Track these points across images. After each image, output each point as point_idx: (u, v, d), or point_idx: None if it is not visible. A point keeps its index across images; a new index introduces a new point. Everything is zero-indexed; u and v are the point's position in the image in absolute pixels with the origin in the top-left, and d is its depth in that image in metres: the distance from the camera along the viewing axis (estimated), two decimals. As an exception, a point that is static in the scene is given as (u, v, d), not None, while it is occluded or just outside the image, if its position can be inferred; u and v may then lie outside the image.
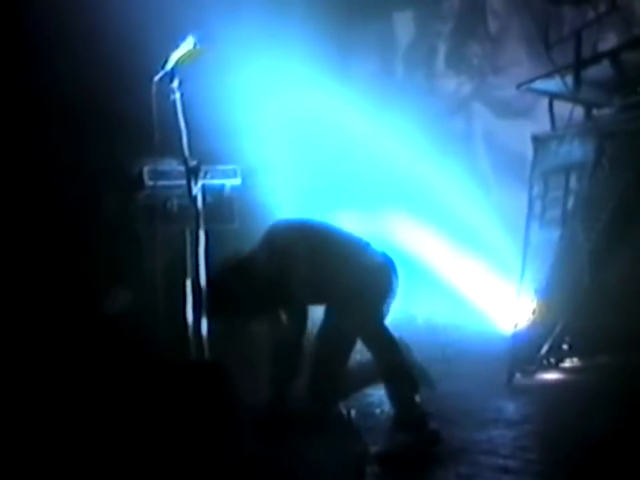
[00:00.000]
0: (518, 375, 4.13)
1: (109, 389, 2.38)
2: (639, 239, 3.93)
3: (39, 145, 4.99)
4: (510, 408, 3.64)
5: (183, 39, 3.25)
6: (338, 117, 5.23)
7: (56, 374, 3.44)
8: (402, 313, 4.89)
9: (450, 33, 5.54)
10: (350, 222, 4.93)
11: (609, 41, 4.35)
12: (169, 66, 3.26)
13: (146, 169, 4.45)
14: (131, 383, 2.30)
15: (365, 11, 5.54)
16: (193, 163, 3.40)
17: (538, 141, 4.67)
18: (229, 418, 2.33)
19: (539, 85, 4.73)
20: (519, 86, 4.79)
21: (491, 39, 5.43)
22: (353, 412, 3.32)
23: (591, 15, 4.41)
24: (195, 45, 3.24)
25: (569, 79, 4.41)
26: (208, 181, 4.16)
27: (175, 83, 3.25)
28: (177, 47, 3.25)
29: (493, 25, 5.44)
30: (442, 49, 5.64)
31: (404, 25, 5.75)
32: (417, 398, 3.11)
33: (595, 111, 4.45)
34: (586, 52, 4.42)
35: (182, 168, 3.41)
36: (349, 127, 5.24)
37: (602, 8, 4.27)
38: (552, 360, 4.31)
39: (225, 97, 5.01)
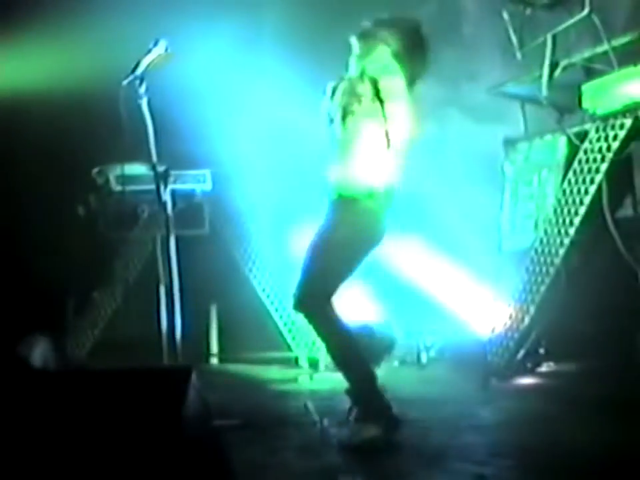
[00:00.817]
0: (494, 380, 4.12)
1: (78, 398, 2.29)
2: (612, 244, 3.93)
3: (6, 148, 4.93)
4: (486, 413, 3.61)
5: (155, 43, 3.21)
6: (313, 122, 5.19)
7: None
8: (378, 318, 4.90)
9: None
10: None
11: (583, 45, 4.35)
12: (139, 70, 3.22)
13: (113, 174, 4.41)
14: (97, 390, 2.22)
15: (340, 17, 5.51)
16: (161, 168, 3.36)
17: (509, 143, 4.68)
18: (199, 426, 2.26)
19: (511, 89, 4.75)
20: (489, 90, 4.80)
21: (465, 43, 5.43)
22: (325, 421, 3.29)
23: (565, 19, 4.43)
24: (166, 49, 3.21)
25: (541, 83, 4.43)
26: (178, 186, 4.12)
27: (143, 88, 3.20)
28: (148, 51, 3.21)
29: (467, 30, 5.45)
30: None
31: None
32: (377, 384, 3.10)
33: (567, 115, 4.46)
34: (560, 56, 4.45)
35: (151, 173, 3.37)
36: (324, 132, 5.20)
37: (576, 12, 4.29)
38: (528, 365, 4.31)
39: (197, 101, 4.97)
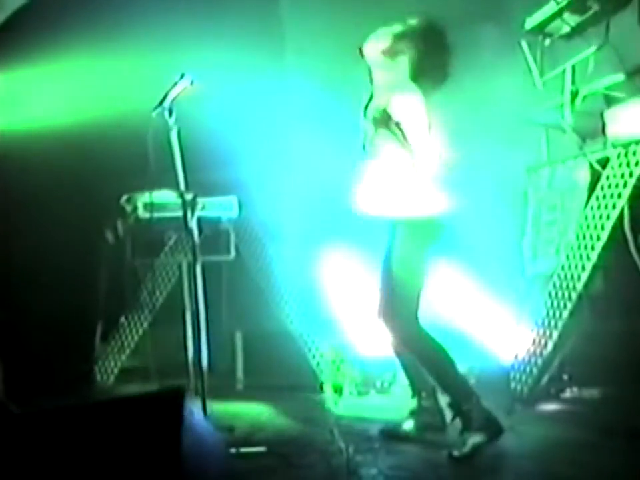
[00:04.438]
0: (517, 406, 4.11)
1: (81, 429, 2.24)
2: (634, 269, 3.94)
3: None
4: (510, 441, 3.55)
5: (181, 76, 3.32)
6: (339, 144, 5.25)
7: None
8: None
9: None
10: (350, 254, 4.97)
11: (603, 73, 4.41)
12: (166, 102, 3.33)
13: (141, 202, 4.49)
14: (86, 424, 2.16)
15: (365, 35, 5.57)
16: (189, 195, 3.44)
17: (532, 169, 4.73)
18: (200, 452, 2.19)
19: (533, 116, 4.80)
20: (513, 118, 4.86)
21: (486, 72, 5.49)
22: (351, 448, 3.31)
23: (584, 48, 4.50)
24: (191, 82, 3.31)
25: (563, 111, 4.49)
26: (204, 213, 4.20)
27: (172, 119, 3.31)
28: (174, 84, 3.32)
29: (486, 57, 5.50)
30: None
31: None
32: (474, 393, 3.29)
33: (588, 142, 4.50)
34: (580, 84, 4.51)
35: (178, 200, 3.45)
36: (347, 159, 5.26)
37: (594, 42, 4.36)
38: (552, 391, 4.29)
39: (223, 128, 5.06)
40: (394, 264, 3.34)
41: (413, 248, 3.33)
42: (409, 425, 3.67)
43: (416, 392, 3.71)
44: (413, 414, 3.70)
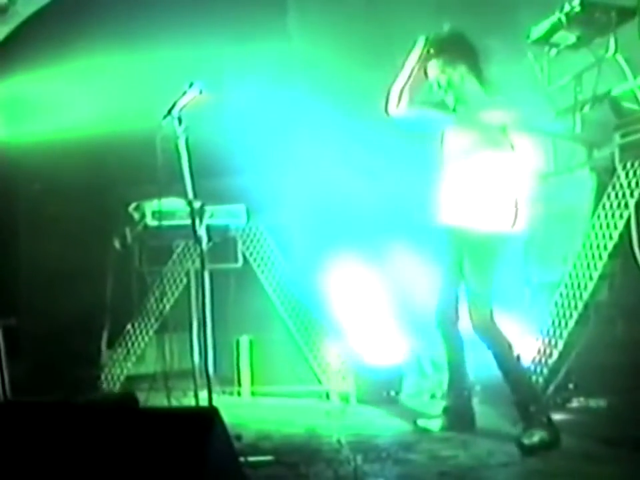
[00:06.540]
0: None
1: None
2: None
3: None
4: (517, 450, 3.56)
5: (190, 85, 3.35)
6: (348, 154, 5.28)
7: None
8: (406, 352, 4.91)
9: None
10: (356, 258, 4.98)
11: (609, 83, 4.42)
12: (175, 111, 3.36)
13: (149, 210, 4.51)
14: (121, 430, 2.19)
15: (371, 60, 5.61)
16: (197, 204, 3.46)
17: (539, 178, 4.73)
18: (224, 470, 2.21)
19: (541, 125, 4.81)
20: (520, 127, 4.87)
21: (493, 82, 5.50)
22: (358, 457, 3.31)
23: (591, 57, 4.51)
24: (200, 92, 3.34)
25: (571, 120, 4.51)
26: (212, 221, 4.22)
27: (181, 127, 3.34)
28: (183, 93, 3.35)
29: (494, 69, 5.51)
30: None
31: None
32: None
33: (595, 151, 4.51)
34: (587, 93, 4.52)
35: (187, 208, 3.48)
36: (355, 167, 5.28)
37: (601, 51, 4.37)
38: (558, 400, 4.29)
39: (233, 135, 5.09)
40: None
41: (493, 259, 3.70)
42: (439, 423, 3.94)
43: (448, 393, 4.00)
44: (445, 412, 3.97)
